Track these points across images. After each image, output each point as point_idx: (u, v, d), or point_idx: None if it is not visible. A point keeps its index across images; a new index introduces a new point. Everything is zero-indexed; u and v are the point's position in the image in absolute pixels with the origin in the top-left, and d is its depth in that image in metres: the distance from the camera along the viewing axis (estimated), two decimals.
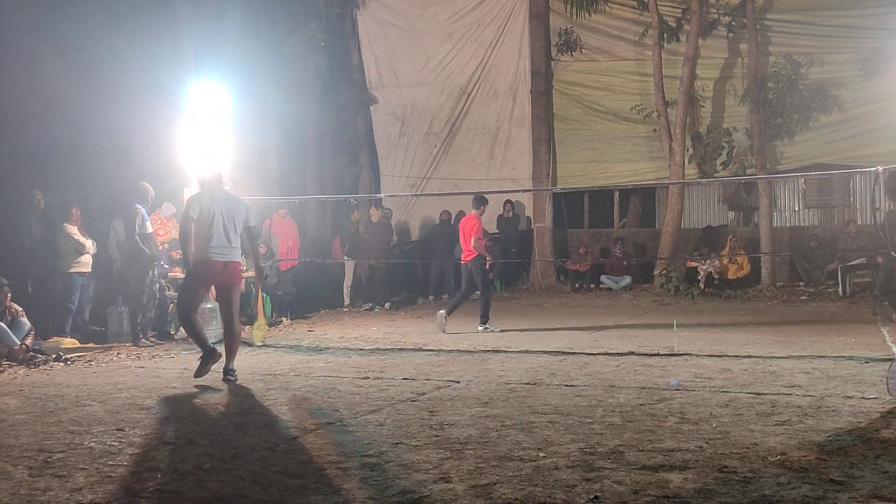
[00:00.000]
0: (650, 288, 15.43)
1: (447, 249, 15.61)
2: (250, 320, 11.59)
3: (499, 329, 10.55)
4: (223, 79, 11.29)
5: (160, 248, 11.38)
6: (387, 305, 14.26)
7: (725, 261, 14.96)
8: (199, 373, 6.91)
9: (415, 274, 16.74)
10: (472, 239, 10.61)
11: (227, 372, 6.93)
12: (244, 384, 6.83)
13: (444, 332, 10.28)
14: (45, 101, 11.84)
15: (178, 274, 11.25)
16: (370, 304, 14.18)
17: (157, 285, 10.03)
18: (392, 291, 15.15)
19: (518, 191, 16.82)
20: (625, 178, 16.55)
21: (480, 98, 17.71)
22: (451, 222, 16.11)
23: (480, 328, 10.61)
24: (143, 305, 9.74)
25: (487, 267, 10.83)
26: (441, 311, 10.64)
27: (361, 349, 9.05)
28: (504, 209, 16.72)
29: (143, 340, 9.53)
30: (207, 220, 6.99)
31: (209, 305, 9.95)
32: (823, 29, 15.44)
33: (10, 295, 8.82)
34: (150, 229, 9.87)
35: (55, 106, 11.89)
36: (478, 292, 10.92)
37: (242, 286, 11.44)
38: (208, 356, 6.99)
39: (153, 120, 11.99)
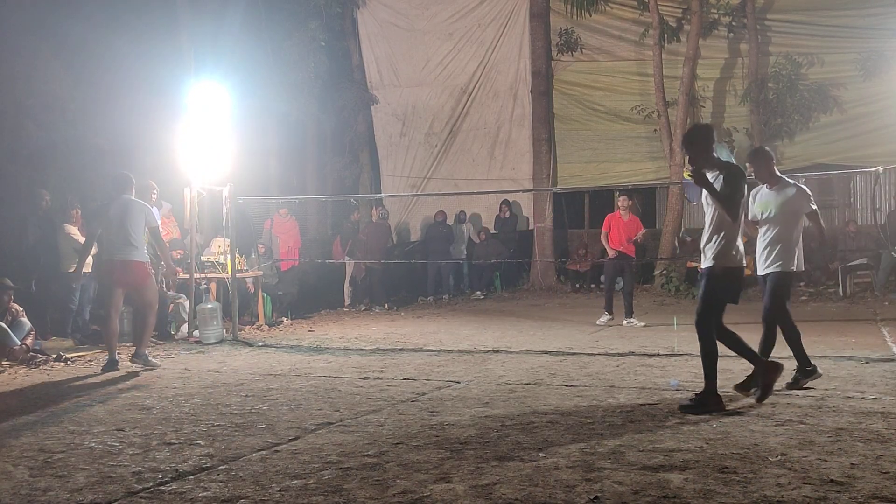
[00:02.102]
0: (650, 288, 15.43)
1: (444, 250, 15.63)
2: (251, 320, 11.63)
3: (642, 324, 10.88)
4: (223, 79, 11.29)
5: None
6: (386, 305, 14.26)
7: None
8: (105, 369, 7.67)
9: (415, 274, 16.75)
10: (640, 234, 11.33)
11: (135, 356, 7.78)
12: (245, 384, 6.83)
13: (644, 324, 10.79)
14: (44, 101, 11.84)
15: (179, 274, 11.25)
16: (366, 305, 14.17)
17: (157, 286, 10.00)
18: (392, 292, 15.15)
19: (518, 191, 16.83)
20: (625, 179, 16.55)
21: (481, 98, 17.73)
22: (447, 222, 16.16)
23: (626, 322, 10.96)
24: None
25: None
26: (628, 321, 10.93)
27: (362, 349, 9.05)
28: (501, 210, 16.73)
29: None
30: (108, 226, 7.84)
31: (210, 306, 9.96)
32: (823, 29, 15.44)
33: (12, 296, 8.81)
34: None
35: (55, 106, 11.89)
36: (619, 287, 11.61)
37: (250, 286, 11.48)
38: (109, 364, 7.73)
39: (153, 120, 11.99)
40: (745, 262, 5.64)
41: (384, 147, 18.43)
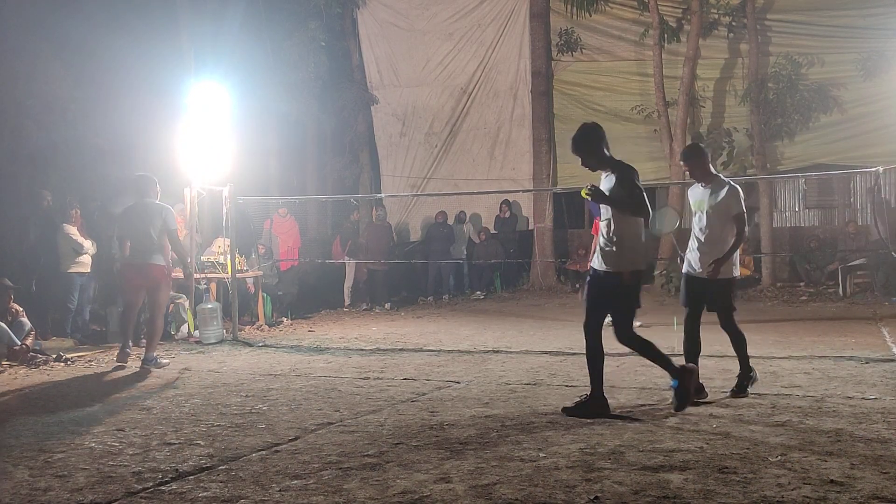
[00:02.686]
0: (650, 288, 15.42)
1: (444, 250, 15.63)
2: (251, 320, 11.63)
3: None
4: (223, 79, 11.29)
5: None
6: (387, 306, 14.26)
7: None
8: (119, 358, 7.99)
9: (415, 274, 16.75)
10: None
11: (145, 360, 7.81)
12: (245, 384, 6.83)
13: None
14: (44, 101, 11.83)
15: (178, 274, 11.25)
16: (368, 305, 14.17)
17: None
18: (392, 292, 15.15)
19: (518, 191, 16.82)
20: None
21: (481, 98, 17.72)
22: (447, 222, 16.15)
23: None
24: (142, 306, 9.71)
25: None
26: None
27: (362, 349, 9.04)
28: (501, 210, 16.73)
29: (143, 339, 9.48)
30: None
31: (210, 306, 9.96)
32: (823, 29, 15.43)
33: (12, 296, 8.81)
34: None
35: (55, 106, 11.89)
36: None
37: (250, 286, 11.55)
38: (122, 352, 8.06)
39: (153, 120, 11.99)
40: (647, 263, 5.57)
41: (384, 147, 18.42)
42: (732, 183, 6.09)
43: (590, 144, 5.46)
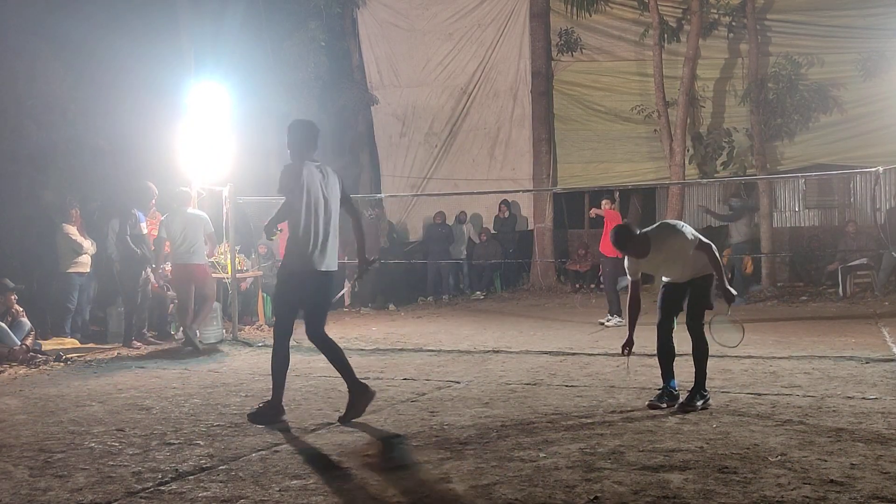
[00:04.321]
0: (650, 288, 15.41)
1: (443, 250, 15.61)
2: (251, 320, 11.62)
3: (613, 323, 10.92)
4: (223, 79, 11.29)
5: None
6: (391, 307, 14.24)
7: (726, 261, 14.93)
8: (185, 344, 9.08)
9: (415, 274, 16.74)
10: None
11: (188, 328, 9.01)
12: (245, 384, 6.83)
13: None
14: (45, 101, 11.82)
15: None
16: (359, 306, 14.15)
17: (150, 286, 10.00)
18: (391, 292, 15.11)
19: (518, 191, 16.82)
20: (625, 179, 16.54)
21: (481, 98, 17.72)
22: (446, 223, 16.13)
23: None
24: (137, 306, 9.73)
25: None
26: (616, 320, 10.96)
27: (362, 349, 9.04)
28: (500, 210, 16.73)
29: (135, 342, 9.48)
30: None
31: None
32: (823, 29, 15.42)
33: (15, 297, 8.80)
34: (144, 230, 9.86)
35: (55, 106, 11.87)
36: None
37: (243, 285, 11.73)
38: (188, 341, 9.08)
39: (153, 120, 11.98)
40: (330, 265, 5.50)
41: (384, 147, 18.42)
42: (669, 225, 5.74)
43: (294, 141, 5.52)
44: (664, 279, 5.90)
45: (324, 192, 5.46)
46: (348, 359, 5.47)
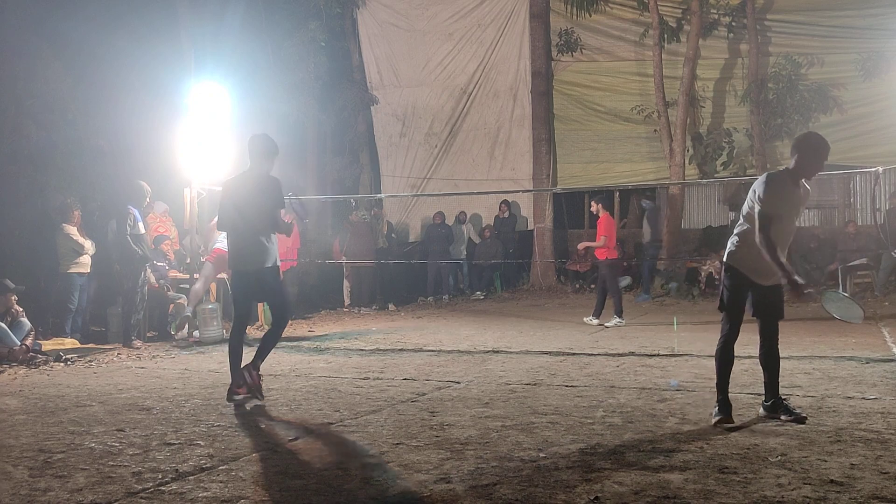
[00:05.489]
0: (650, 288, 15.42)
1: (443, 250, 15.61)
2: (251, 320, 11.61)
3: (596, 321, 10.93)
4: (223, 79, 11.28)
5: (164, 246, 11.38)
6: (391, 307, 14.24)
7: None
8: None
9: (415, 274, 16.75)
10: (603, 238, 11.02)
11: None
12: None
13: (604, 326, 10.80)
14: (45, 101, 11.81)
15: (179, 275, 11.25)
16: (358, 307, 14.15)
17: (147, 286, 10.00)
18: (390, 292, 15.11)
19: (518, 191, 16.83)
20: (625, 179, 16.56)
21: (481, 98, 17.73)
22: (446, 223, 16.14)
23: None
24: (136, 306, 9.73)
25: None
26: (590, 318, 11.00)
27: (362, 350, 9.04)
28: (500, 210, 16.73)
29: (135, 342, 9.47)
30: None
31: (210, 306, 9.96)
32: (823, 29, 15.44)
33: (15, 298, 8.80)
34: (142, 230, 9.86)
35: (55, 106, 11.86)
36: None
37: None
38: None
39: (153, 120, 11.98)
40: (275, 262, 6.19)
41: (384, 147, 18.43)
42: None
43: (255, 152, 6.62)
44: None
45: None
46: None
